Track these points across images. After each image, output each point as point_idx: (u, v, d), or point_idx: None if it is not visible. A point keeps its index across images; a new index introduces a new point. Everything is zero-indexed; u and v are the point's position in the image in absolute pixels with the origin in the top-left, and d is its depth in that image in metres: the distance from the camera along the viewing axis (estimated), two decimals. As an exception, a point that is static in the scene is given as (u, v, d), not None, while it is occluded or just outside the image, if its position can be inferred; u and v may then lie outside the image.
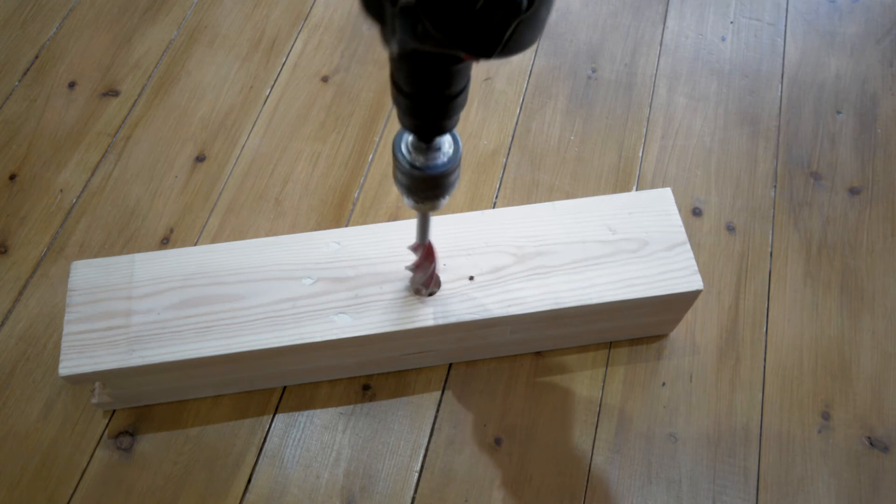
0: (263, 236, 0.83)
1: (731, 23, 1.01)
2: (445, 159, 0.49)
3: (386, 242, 0.70)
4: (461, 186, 0.87)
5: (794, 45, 0.99)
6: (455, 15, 0.33)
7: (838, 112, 0.94)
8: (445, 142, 0.49)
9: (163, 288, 0.68)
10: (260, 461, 0.71)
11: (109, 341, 0.65)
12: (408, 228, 0.71)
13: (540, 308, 0.67)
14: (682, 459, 0.72)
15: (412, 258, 0.69)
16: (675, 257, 0.69)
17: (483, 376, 0.76)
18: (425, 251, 0.62)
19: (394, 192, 0.87)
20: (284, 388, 0.75)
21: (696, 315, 0.79)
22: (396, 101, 0.44)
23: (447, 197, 0.53)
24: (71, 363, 0.64)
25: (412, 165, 0.49)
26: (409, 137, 0.49)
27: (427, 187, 0.50)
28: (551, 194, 0.87)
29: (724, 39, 1.00)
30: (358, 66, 0.97)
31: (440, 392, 0.75)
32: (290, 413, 0.74)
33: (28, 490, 0.70)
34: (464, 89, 0.43)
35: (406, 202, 0.53)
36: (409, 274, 0.68)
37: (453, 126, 0.46)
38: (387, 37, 0.35)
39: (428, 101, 0.43)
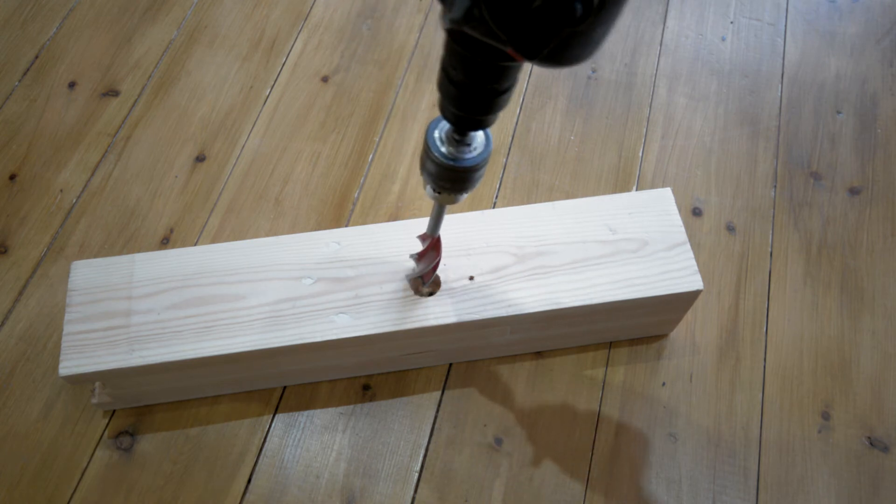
0: (263, 236, 0.83)
1: (731, 23, 1.01)
2: (475, 154, 0.50)
3: (386, 242, 0.70)
4: (461, 186, 0.87)
5: (794, 45, 0.99)
6: (511, 6, 0.33)
7: (838, 112, 0.94)
8: (478, 137, 0.50)
9: (163, 288, 0.68)
10: (260, 461, 0.71)
11: (109, 341, 0.65)
12: (408, 228, 0.71)
13: (540, 308, 0.67)
14: (682, 459, 0.72)
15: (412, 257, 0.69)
16: (676, 257, 0.69)
17: (483, 376, 0.76)
18: (432, 243, 0.63)
19: (394, 192, 0.87)
20: (284, 388, 0.75)
21: (696, 315, 0.79)
22: (443, 89, 0.45)
23: (467, 193, 0.53)
24: (71, 363, 0.64)
25: (442, 154, 0.49)
26: (444, 127, 0.50)
27: (451, 179, 0.51)
28: (551, 194, 0.87)
29: (724, 39, 1.00)
30: (358, 66, 0.97)
31: (440, 392, 0.75)
32: (290, 413, 0.74)
33: (28, 490, 0.70)
34: (509, 88, 0.44)
35: (426, 191, 0.54)
36: (410, 273, 0.68)
37: (491, 123, 0.47)
38: (444, 13, 0.36)
39: (473, 92, 0.43)
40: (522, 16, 0.33)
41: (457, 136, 0.49)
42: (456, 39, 0.40)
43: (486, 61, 0.41)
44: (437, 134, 0.50)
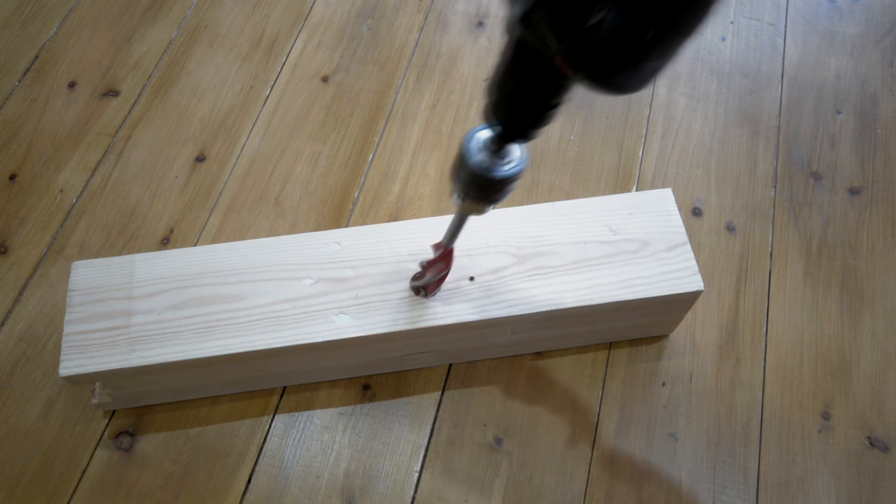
0: (263, 236, 0.83)
1: (731, 23, 1.01)
2: (509, 168, 0.50)
3: (386, 243, 0.70)
4: (461, 186, 0.87)
5: (794, 45, 0.99)
6: (567, 18, 0.34)
7: (838, 112, 0.94)
8: (514, 151, 0.51)
9: (163, 288, 0.68)
10: (260, 461, 0.71)
11: (110, 341, 0.65)
12: (408, 228, 0.71)
13: (540, 309, 0.67)
14: (682, 459, 0.72)
15: (413, 257, 0.69)
16: (676, 258, 0.69)
17: (483, 376, 0.76)
18: (444, 254, 0.62)
19: (394, 192, 0.87)
20: (284, 388, 0.75)
21: (696, 315, 0.79)
22: (494, 96, 0.46)
23: (493, 205, 0.54)
24: (71, 363, 0.64)
25: (478, 163, 0.50)
26: (482, 137, 0.50)
27: (482, 188, 0.51)
28: (551, 194, 0.87)
29: (724, 39, 1.00)
30: (358, 66, 0.97)
31: (440, 392, 0.75)
32: (290, 413, 0.74)
33: (28, 490, 0.70)
34: (557, 105, 0.45)
35: (453, 199, 0.54)
36: (411, 273, 0.68)
37: (532, 137, 0.48)
38: (509, 12, 0.37)
39: (522, 102, 0.44)
40: (577, 27, 0.34)
41: (494, 147, 0.50)
42: (515, 45, 0.41)
43: (539, 72, 0.42)
44: (474, 143, 0.50)
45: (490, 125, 0.48)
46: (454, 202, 0.55)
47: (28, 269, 0.81)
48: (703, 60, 0.98)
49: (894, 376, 0.76)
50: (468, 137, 0.50)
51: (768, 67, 0.97)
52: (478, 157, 0.50)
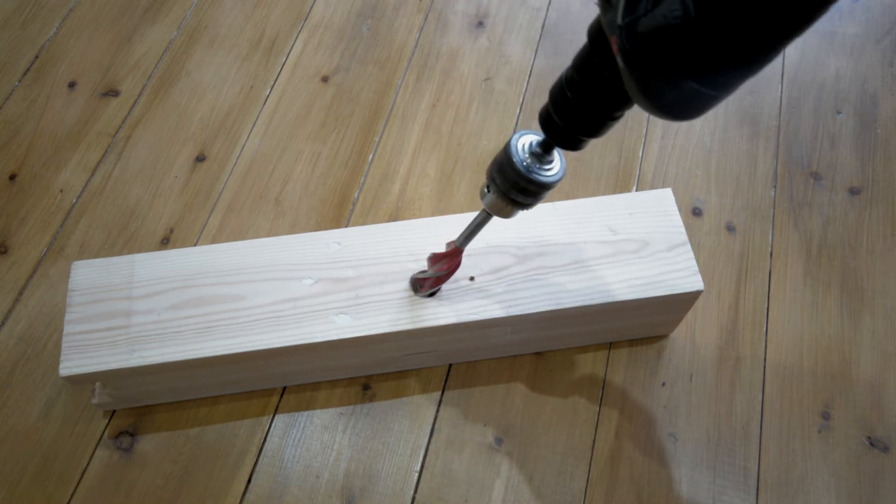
0: (263, 236, 0.83)
1: (731, 23, 1.01)
2: (548, 174, 0.53)
3: (387, 243, 0.70)
4: (462, 186, 0.87)
5: (794, 45, 0.99)
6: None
7: (838, 112, 0.94)
8: (557, 162, 0.53)
9: (163, 288, 0.68)
10: (260, 461, 0.71)
11: (110, 341, 0.65)
12: (408, 228, 0.71)
13: (540, 309, 0.67)
14: (682, 459, 0.72)
15: (413, 257, 0.69)
16: (676, 258, 0.69)
17: (483, 376, 0.76)
18: (452, 251, 0.62)
19: (394, 192, 0.87)
20: (284, 388, 0.75)
21: (696, 315, 0.79)
22: (558, 100, 0.48)
23: (521, 211, 0.56)
24: (71, 363, 0.64)
25: (521, 161, 0.52)
26: (526, 141, 0.52)
27: (520, 189, 0.53)
28: (551, 194, 0.87)
29: (724, 39, 1.00)
30: (358, 66, 0.97)
31: (440, 392, 0.75)
32: (290, 413, 0.74)
33: (28, 490, 0.70)
34: (614, 119, 0.47)
35: (484, 201, 0.56)
36: (410, 273, 0.68)
37: (579, 148, 0.50)
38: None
39: (585, 110, 0.46)
40: (640, 7, 0.36)
41: (540, 151, 0.52)
42: (591, 38, 0.43)
43: (604, 74, 0.44)
44: (521, 143, 0.52)
45: (542, 123, 0.50)
46: (483, 200, 0.56)
47: (28, 269, 0.81)
48: (703, 60, 0.98)
49: (894, 376, 0.76)
50: (516, 136, 0.52)
51: (768, 67, 0.97)
52: (523, 156, 0.52)
